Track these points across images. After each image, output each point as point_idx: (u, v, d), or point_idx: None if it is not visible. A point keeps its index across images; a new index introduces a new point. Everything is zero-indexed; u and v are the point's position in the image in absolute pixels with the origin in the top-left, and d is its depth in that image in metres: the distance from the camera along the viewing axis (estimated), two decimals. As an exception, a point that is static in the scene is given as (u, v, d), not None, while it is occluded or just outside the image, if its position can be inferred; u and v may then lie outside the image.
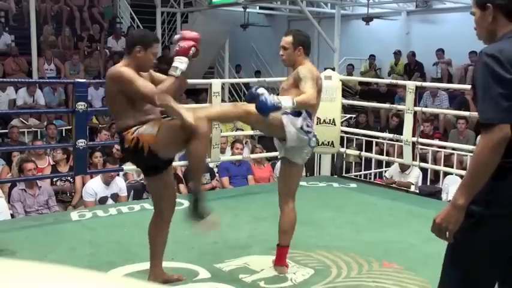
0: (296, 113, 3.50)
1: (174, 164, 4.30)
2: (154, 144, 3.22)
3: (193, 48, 3.23)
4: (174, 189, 3.82)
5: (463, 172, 6.35)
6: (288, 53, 3.73)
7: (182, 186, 6.60)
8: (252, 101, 3.43)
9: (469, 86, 7.53)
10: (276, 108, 3.30)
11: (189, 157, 3.37)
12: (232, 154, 7.11)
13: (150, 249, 3.51)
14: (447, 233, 2.09)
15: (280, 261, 3.79)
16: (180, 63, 3.21)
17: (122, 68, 3.23)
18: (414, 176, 7.07)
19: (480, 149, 2.01)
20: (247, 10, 13.18)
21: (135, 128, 3.23)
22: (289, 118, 3.50)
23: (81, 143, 5.12)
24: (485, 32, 2.24)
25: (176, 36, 3.35)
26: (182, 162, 6.06)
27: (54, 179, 6.55)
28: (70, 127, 7.63)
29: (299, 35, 3.76)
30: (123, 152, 3.42)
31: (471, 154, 7.11)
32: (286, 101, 3.34)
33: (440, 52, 11.45)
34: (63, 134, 9.03)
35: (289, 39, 3.72)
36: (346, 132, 7.34)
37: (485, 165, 1.99)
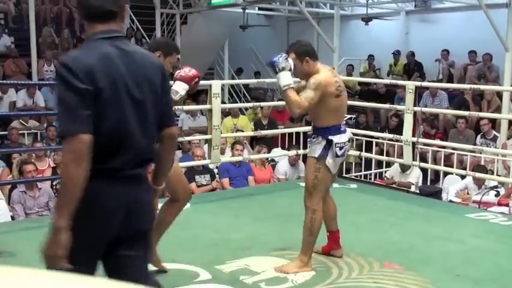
0: (328, 145, 3.72)
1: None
2: None
3: (196, 79, 3.45)
4: (185, 179, 3.89)
5: (463, 172, 6.36)
6: (297, 69, 3.72)
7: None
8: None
9: (468, 86, 7.55)
10: (274, 64, 3.59)
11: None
12: (233, 155, 7.11)
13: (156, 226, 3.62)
14: (60, 261, 1.99)
15: (338, 244, 4.03)
16: (182, 89, 3.40)
17: None
18: (415, 176, 7.07)
19: (64, 163, 1.99)
20: (247, 11, 13.18)
21: None
22: (331, 158, 3.74)
23: (81, 144, 5.11)
24: None
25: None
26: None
27: (55, 182, 6.51)
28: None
29: (299, 47, 3.74)
30: None
31: (471, 154, 7.15)
32: (285, 79, 3.61)
33: (445, 53, 11.45)
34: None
35: (292, 56, 3.70)
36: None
37: (73, 178, 1.95)
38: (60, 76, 2.00)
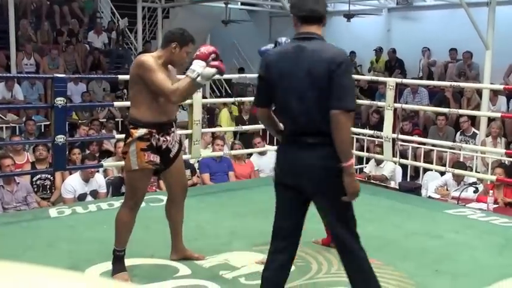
0: None
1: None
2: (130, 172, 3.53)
3: (213, 55, 3.41)
4: (184, 174, 3.93)
5: (442, 168, 6.41)
6: None
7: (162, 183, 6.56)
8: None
9: (448, 83, 7.60)
10: (260, 53, 3.76)
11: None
12: (213, 150, 7.08)
13: (170, 229, 3.81)
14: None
15: None
16: (198, 67, 3.37)
17: (148, 57, 3.46)
18: (388, 169, 7.12)
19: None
20: (229, 6, 13.14)
21: (138, 134, 3.42)
22: None
23: (61, 138, 5.06)
24: None
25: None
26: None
27: (35, 178, 6.40)
28: (49, 123, 7.55)
29: None
30: (125, 144, 3.53)
31: (451, 150, 7.20)
32: None
33: (426, 50, 11.52)
34: (42, 130, 8.93)
35: None
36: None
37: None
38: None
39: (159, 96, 3.41)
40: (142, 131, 3.42)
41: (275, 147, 7.37)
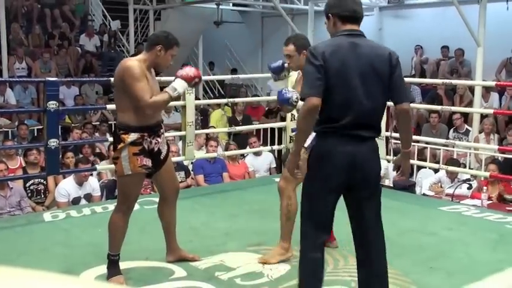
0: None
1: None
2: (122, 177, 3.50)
3: (196, 79, 3.48)
4: (174, 174, 3.92)
5: (436, 165, 6.43)
6: (294, 60, 3.85)
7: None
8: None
9: (440, 81, 7.63)
10: (289, 102, 3.69)
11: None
12: (207, 152, 7.08)
13: (164, 230, 3.80)
14: (293, 172, 2.96)
15: (333, 237, 4.06)
16: (180, 87, 3.42)
17: (134, 62, 3.41)
18: (382, 168, 7.11)
19: (299, 114, 2.85)
20: (221, 7, 13.13)
21: (130, 139, 3.40)
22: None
23: (53, 142, 5.05)
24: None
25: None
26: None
27: (28, 183, 6.36)
28: (42, 127, 7.52)
29: (299, 39, 3.90)
30: (114, 150, 3.52)
31: (444, 148, 7.22)
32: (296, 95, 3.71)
33: (418, 48, 11.54)
34: (35, 134, 8.90)
35: (291, 47, 3.84)
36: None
37: (302, 125, 2.79)
38: (306, 58, 2.82)
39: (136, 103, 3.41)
40: (134, 136, 3.41)
41: (269, 148, 7.39)
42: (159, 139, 3.54)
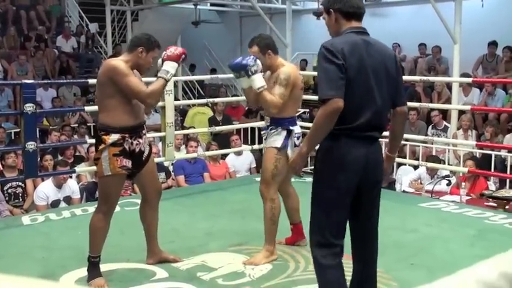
0: (287, 135, 3.88)
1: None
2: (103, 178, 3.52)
3: (183, 56, 3.54)
4: (156, 176, 3.91)
5: (415, 162, 6.47)
6: (261, 62, 3.81)
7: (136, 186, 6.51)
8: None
9: (418, 78, 7.69)
10: (242, 67, 3.66)
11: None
12: (187, 152, 7.05)
13: (145, 232, 3.79)
14: (298, 171, 2.90)
15: (303, 235, 4.09)
16: (171, 68, 3.49)
17: (119, 61, 3.44)
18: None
19: (319, 116, 2.60)
20: (198, 7, 13.08)
21: (111, 140, 3.41)
22: (290, 148, 3.90)
23: (31, 145, 4.99)
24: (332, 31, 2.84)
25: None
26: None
27: (5, 187, 6.28)
28: (19, 130, 7.42)
29: (261, 40, 3.90)
30: (96, 151, 3.55)
31: (423, 144, 7.28)
32: (259, 81, 3.70)
33: (396, 45, 11.62)
34: (13, 137, 8.78)
35: (255, 49, 3.85)
36: (300, 127, 7.33)
37: (322, 128, 2.60)
38: (323, 55, 2.60)
39: (131, 100, 3.43)
40: (115, 137, 3.42)
41: (250, 147, 7.38)
42: (140, 140, 3.54)
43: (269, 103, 3.72)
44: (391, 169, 3.04)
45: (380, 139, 2.85)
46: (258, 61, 3.74)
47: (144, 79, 3.74)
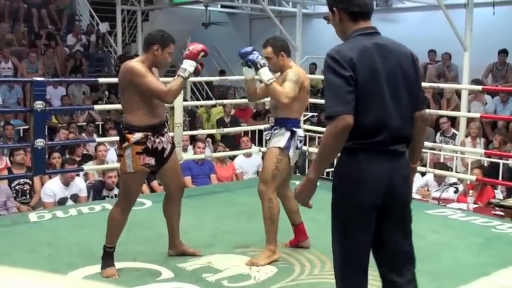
0: (291, 136, 3.86)
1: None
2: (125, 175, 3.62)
3: (202, 53, 3.60)
4: (179, 172, 3.99)
5: (423, 169, 6.45)
6: (273, 62, 3.91)
7: (145, 186, 6.52)
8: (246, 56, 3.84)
9: (428, 84, 7.68)
10: (254, 62, 3.76)
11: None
12: (194, 153, 7.06)
13: (167, 225, 3.90)
14: (306, 203, 2.52)
15: (305, 235, 4.13)
16: (189, 66, 3.56)
17: (136, 63, 3.52)
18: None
19: (326, 135, 2.34)
20: (209, 8, 13.13)
21: (134, 139, 3.51)
22: (293, 150, 3.89)
23: (40, 142, 5.01)
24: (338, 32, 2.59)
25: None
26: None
27: (13, 183, 6.30)
28: (28, 127, 7.46)
29: (276, 41, 3.96)
30: (120, 148, 3.66)
31: (431, 151, 7.26)
32: (268, 74, 3.77)
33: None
34: (21, 134, 8.83)
35: (269, 49, 3.91)
36: (308, 131, 7.36)
37: (331, 148, 2.34)
38: (329, 66, 2.35)
39: (152, 100, 3.52)
40: (138, 136, 3.53)
41: (258, 149, 7.38)
42: (162, 138, 3.66)
43: (281, 93, 3.75)
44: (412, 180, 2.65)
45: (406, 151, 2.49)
46: (265, 60, 3.85)
47: (162, 79, 3.79)
